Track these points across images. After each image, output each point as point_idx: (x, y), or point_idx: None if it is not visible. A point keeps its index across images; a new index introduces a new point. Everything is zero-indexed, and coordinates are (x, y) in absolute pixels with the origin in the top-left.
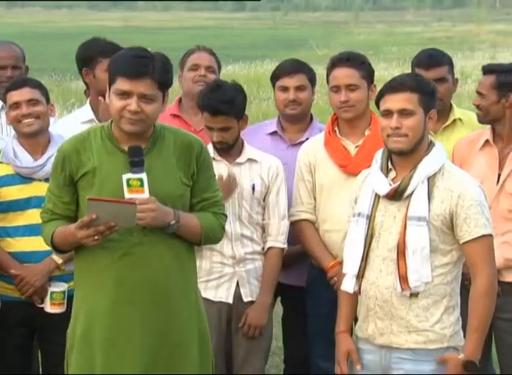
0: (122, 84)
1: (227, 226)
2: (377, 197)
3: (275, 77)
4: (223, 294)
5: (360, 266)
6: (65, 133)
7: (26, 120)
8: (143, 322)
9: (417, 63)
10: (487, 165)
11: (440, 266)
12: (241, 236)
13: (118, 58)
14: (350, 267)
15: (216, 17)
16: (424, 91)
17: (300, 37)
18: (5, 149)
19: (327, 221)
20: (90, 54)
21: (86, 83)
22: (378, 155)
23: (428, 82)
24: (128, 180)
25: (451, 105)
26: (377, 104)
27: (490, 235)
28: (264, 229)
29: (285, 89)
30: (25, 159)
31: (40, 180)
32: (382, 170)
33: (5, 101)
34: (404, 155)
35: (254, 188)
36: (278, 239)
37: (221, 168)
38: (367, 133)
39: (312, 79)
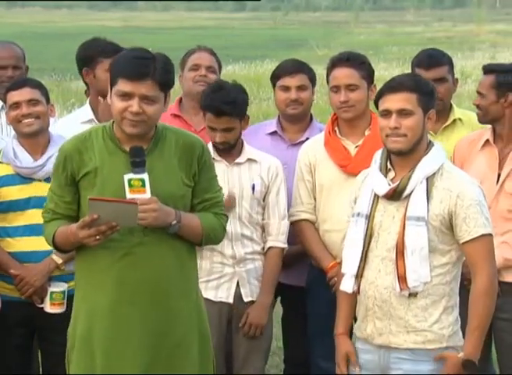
0: (123, 86)
1: (227, 226)
2: (376, 197)
3: (276, 77)
4: (223, 294)
5: (359, 266)
6: (65, 133)
7: (26, 120)
8: (143, 322)
9: (418, 63)
10: (487, 165)
11: (439, 266)
12: (241, 236)
13: (119, 59)
14: (349, 267)
15: (216, 17)
16: (423, 91)
17: (301, 37)
18: (5, 149)
19: (327, 221)
20: (91, 54)
21: (86, 83)
22: (378, 156)
23: (426, 82)
24: (130, 181)
25: (451, 105)
26: (376, 104)
27: (490, 234)
28: (263, 229)
29: (286, 89)
30: (25, 159)
31: (40, 181)
32: (381, 170)
33: (5, 101)
34: (403, 155)
35: (253, 188)
36: (278, 239)
37: (221, 168)
38: (367, 133)
39: (313, 79)
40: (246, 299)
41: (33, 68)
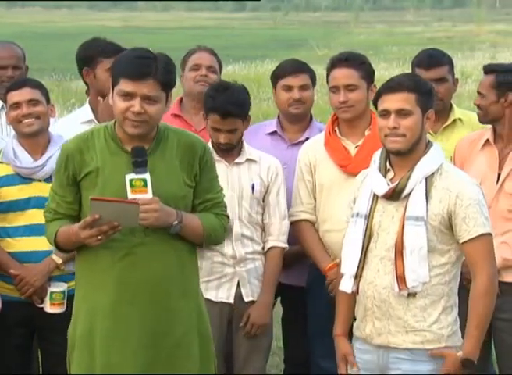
0: (125, 86)
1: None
2: (375, 197)
3: (277, 77)
4: (224, 294)
5: (358, 266)
6: (64, 133)
7: (27, 120)
8: (143, 322)
9: (418, 63)
10: (487, 165)
11: (438, 265)
12: (241, 236)
13: (121, 59)
14: (348, 267)
15: (216, 17)
16: (421, 91)
17: (301, 37)
18: (5, 149)
19: (327, 221)
20: (91, 54)
21: (86, 84)
22: (377, 156)
23: (425, 82)
24: (131, 181)
25: (451, 105)
26: (375, 104)
27: (489, 234)
28: (263, 229)
29: (289, 88)
30: (25, 159)
31: (40, 181)
32: (380, 170)
33: (5, 101)
34: (402, 155)
35: (253, 188)
36: (279, 239)
37: (220, 168)
38: (367, 133)
39: (313, 78)
40: (246, 299)
41: (34, 68)
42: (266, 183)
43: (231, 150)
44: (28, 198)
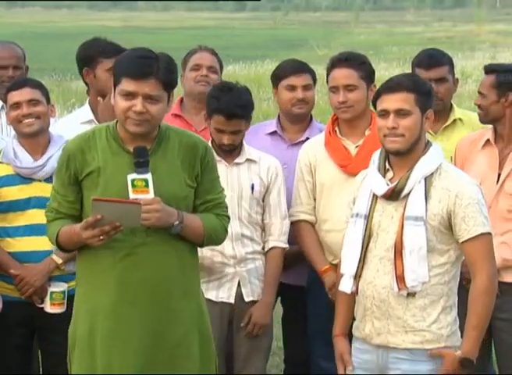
0: (127, 85)
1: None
2: (375, 197)
3: (280, 77)
4: (225, 294)
5: (357, 267)
6: (64, 133)
7: (27, 120)
8: (144, 322)
9: (418, 63)
10: (487, 164)
11: (437, 265)
12: (241, 236)
13: (122, 58)
14: (348, 267)
15: (216, 17)
16: (420, 91)
17: (301, 37)
18: (6, 149)
19: (327, 221)
20: (91, 54)
21: (86, 84)
22: (376, 156)
23: (424, 82)
24: (133, 181)
25: (451, 105)
26: (374, 104)
27: (489, 233)
28: (263, 229)
29: (292, 88)
30: (25, 159)
31: (40, 181)
32: (379, 171)
33: (5, 101)
34: (401, 155)
35: (253, 188)
36: (280, 239)
37: (220, 168)
38: (367, 133)
39: (314, 79)
40: (247, 299)
41: (34, 68)
42: (266, 183)
43: (232, 150)
44: (28, 198)
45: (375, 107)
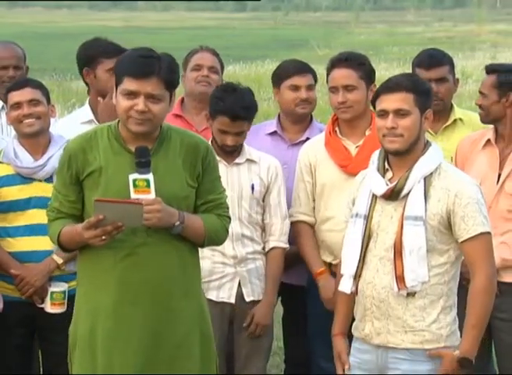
0: (129, 84)
1: None
2: (374, 197)
3: (282, 77)
4: (225, 294)
5: (357, 267)
6: (64, 133)
7: (27, 120)
8: (145, 322)
9: (418, 63)
10: (488, 164)
11: (437, 265)
12: (242, 236)
13: (124, 58)
14: (348, 268)
15: (217, 17)
16: (419, 91)
17: (301, 37)
18: (6, 149)
19: (328, 221)
20: (92, 54)
21: (86, 84)
22: (375, 156)
23: (423, 82)
24: (134, 181)
25: (452, 105)
26: (373, 104)
27: (488, 233)
28: (263, 229)
29: (296, 88)
30: (25, 159)
31: (40, 181)
32: (378, 171)
33: (5, 102)
34: (400, 155)
35: (253, 188)
36: (281, 239)
37: (220, 168)
38: (367, 133)
39: (316, 79)
40: (247, 299)
41: (34, 68)
42: (266, 183)
43: (234, 151)
44: (29, 198)
45: (374, 107)
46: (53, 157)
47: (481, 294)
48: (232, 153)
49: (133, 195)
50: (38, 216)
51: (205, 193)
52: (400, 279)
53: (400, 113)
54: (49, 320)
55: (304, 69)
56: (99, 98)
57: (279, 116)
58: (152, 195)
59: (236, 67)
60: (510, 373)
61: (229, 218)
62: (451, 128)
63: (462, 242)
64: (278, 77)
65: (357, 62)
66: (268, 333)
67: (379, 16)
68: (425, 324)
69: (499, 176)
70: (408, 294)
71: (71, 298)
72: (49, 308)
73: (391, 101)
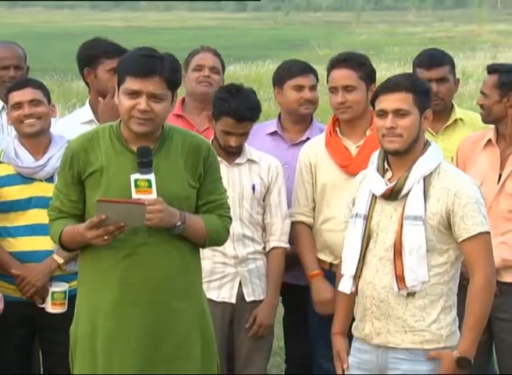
0: (131, 84)
1: None
2: (374, 197)
3: (285, 77)
4: (226, 294)
5: (357, 267)
6: (65, 133)
7: (28, 121)
8: (145, 322)
9: (419, 63)
10: (489, 164)
11: (437, 265)
12: (242, 236)
13: (127, 58)
14: (348, 268)
15: (218, 17)
16: (418, 91)
17: (302, 37)
18: (7, 149)
19: (328, 221)
20: (92, 54)
21: (87, 84)
22: (375, 156)
23: (422, 82)
24: (136, 181)
25: (452, 105)
26: (372, 104)
27: (488, 233)
28: (263, 229)
29: (300, 88)
30: (26, 159)
31: (41, 180)
32: (378, 171)
33: (6, 102)
34: (400, 155)
35: (254, 188)
36: (281, 239)
37: (221, 169)
38: (368, 133)
39: (317, 79)
40: (248, 299)
41: (35, 68)
42: (266, 183)
43: (237, 152)
44: (29, 198)
45: (373, 107)
46: (54, 157)
47: (480, 294)
48: (234, 154)
49: (135, 195)
50: (39, 216)
51: (206, 193)
52: (399, 279)
53: (399, 113)
54: (49, 320)
55: (307, 69)
56: (99, 98)
57: (279, 115)
58: (154, 195)
59: (236, 67)
60: (510, 373)
61: (230, 218)
62: (452, 128)
63: (461, 242)
64: (281, 77)
65: (357, 63)
66: (269, 333)
67: (380, 16)
68: (425, 324)
69: (500, 176)
70: (408, 294)
71: (71, 298)
72: (50, 308)
73: (390, 101)
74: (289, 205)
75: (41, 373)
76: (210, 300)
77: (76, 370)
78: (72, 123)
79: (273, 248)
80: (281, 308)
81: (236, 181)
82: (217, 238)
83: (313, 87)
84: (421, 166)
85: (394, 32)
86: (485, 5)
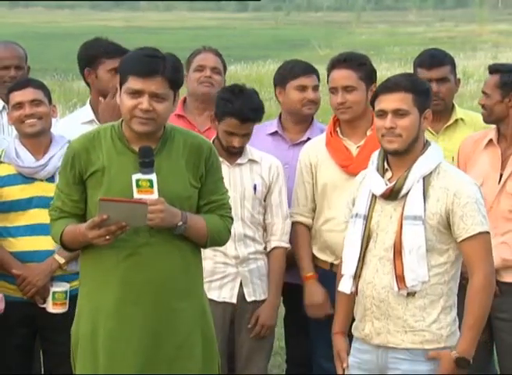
0: (133, 83)
1: None
2: (374, 197)
3: (288, 77)
4: (227, 294)
5: (357, 267)
6: (65, 133)
7: (29, 121)
8: (146, 322)
9: (420, 63)
10: (490, 164)
11: (437, 265)
12: (244, 236)
13: (129, 57)
14: (348, 268)
15: (218, 17)
16: (418, 91)
17: (302, 37)
18: (7, 149)
19: (329, 221)
20: (93, 54)
21: (87, 84)
22: (375, 157)
23: (422, 82)
24: (137, 181)
25: (453, 105)
26: (372, 104)
27: (487, 232)
28: (264, 228)
29: (303, 88)
30: (27, 159)
31: (42, 180)
32: (378, 171)
33: (7, 102)
34: (399, 155)
35: (255, 188)
36: (282, 239)
37: (222, 169)
38: (368, 133)
39: (319, 79)
40: (249, 299)
41: (35, 68)
42: (267, 183)
43: (240, 153)
44: (30, 198)
45: (373, 107)
46: (54, 157)
47: (479, 294)
48: (235, 154)
49: (136, 195)
50: (40, 216)
51: (208, 194)
52: (399, 279)
53: (398, 113)
54: (50, 320)
55: (309, 69)
56: (100, 98)
57: (279, 116)
58: (155, 195)
59: (237, 67)
60: (511, 373)
61: (232, 219)
62: (452, 128)
63: (461, 241)
64: (283, 77)
65: (357, 63)
66: (270, 334)
67: (381, 16)
68: (425, 324)
69: (501, 176)
70: (408, 294)
71: (72, 298)
72: (51, 308)
73: (390, 101)
74: (289, 205)
75: (42, 373)
76: (211, 300)
77: (77, 370)
78: (72, 123)
79: (274, 248)
80: (282, 308)
81: (238, 181)
82: (218, 238)
83: (316, 88)
84: (421, 165)
85: (395, 32)
86: (486, 4)
